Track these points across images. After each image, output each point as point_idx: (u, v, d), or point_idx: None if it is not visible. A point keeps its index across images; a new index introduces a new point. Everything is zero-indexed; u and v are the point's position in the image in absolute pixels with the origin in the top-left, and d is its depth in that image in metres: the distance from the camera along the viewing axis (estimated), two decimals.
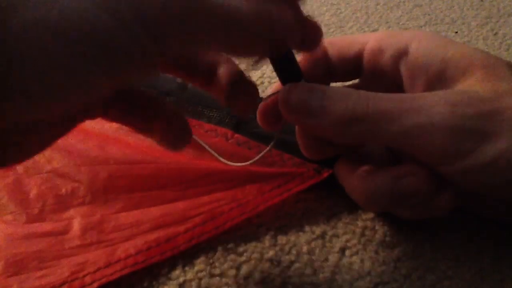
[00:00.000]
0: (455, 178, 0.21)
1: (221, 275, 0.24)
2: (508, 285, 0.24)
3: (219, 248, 0.25)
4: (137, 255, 0.24)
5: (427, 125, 0.20)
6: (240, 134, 0.30)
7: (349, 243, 0.26)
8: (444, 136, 0.20)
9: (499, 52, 0.44)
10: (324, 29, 0.22)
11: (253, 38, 0.17)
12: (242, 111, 0.23)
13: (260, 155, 0.27)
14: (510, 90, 0.21)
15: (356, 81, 0.28)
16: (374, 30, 0.48)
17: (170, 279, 0.24)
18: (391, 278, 0.24)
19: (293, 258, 0.25)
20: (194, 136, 0.28)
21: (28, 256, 0.23)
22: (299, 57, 0.24)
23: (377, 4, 0.48)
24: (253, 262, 0.24)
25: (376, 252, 0.25)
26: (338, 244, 0.25)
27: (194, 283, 0.23)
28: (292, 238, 0.26)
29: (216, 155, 0.28)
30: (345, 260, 0.25)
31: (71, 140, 0.29)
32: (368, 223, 0.26)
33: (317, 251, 0.25)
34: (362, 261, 0.25)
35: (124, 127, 0.24)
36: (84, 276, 0.23)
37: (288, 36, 0.19)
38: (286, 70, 0.22)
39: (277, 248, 0.25)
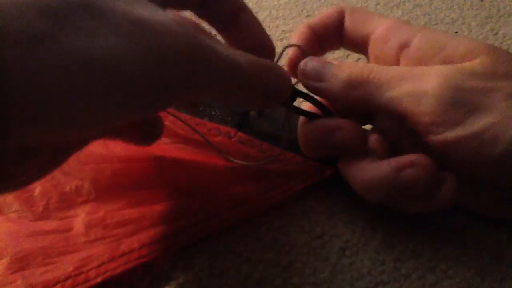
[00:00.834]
0: (444, 150, 0.22)
1: (221, 275, 0.24)
2: (508, 285, 0.24)
3: (219, 248, 0.25)
4: (141, 249, 0.24)
5: (420, 93, 0.21)
6: (242, 132, 0.30)
7: (349, 243, 0.26)
8: (435, 105, 0.21)
9: None
10: None
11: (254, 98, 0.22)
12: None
13: (273, 157, 0.28)
14: (509, 73, 0.21)
15: None
16: None
17: (170, 279, 0.24)
18: (391, 278, 0.24)
19: (293, 258, 0.25)
20: (200, 134, 0.28)
21: (32, 253, 0.23)
22: (316, 18, 0.28)
23: (377, 4, 0.48)
24: (253, 262, 0.25)
25: (376, 252, 0.25)
26: (338, 244, 0.26)
27: (194, 283, 0.23)
28: (292, 238, 0.26)
29: (225, 155, 0.28)
30: (345, 260, 0.25)
31: None
32: (368, 223, 0.26)
33: (317, 251, 0.25)
34: (362, 261, 0.25)
35: None
36: (89, 270, 0.23)
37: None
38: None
39: (277, 248, 0.25)
